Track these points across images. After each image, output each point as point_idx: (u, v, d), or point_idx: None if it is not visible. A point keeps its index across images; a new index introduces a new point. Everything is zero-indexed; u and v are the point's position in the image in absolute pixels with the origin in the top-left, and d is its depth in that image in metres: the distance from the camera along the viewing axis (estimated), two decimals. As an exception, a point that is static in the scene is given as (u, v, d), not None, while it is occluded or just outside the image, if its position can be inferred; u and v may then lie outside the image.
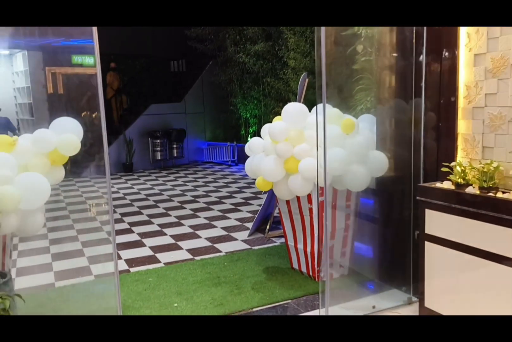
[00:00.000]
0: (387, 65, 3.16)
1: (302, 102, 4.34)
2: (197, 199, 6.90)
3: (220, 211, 6.09)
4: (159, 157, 10.19)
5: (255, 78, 9.87)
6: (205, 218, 5.72)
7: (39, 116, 9.03)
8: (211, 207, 6.34)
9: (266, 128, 3.38)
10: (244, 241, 4.72)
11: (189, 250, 4.48)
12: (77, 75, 8.97)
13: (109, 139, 10.05)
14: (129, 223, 5.61)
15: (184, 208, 6.32)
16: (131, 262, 4.18)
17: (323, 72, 2.60)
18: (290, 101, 7.84)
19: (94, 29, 2.40)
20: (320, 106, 2.72)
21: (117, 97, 10.48)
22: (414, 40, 2.92)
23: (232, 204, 6.45)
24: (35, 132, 2.53)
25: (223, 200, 6.74)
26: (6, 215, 2.20)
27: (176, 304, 3.23)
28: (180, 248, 4.57)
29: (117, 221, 5.75)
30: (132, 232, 5.22)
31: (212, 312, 3.09)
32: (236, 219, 5.61)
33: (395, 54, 3.07)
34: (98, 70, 2.33)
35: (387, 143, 3.26)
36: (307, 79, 4.80)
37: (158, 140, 10.08)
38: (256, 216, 5.00)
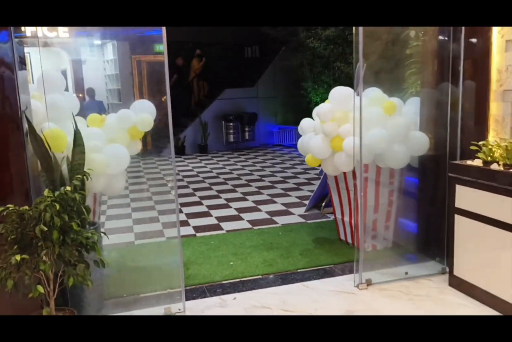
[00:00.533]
0: (430, 50, 3.38)
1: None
2: (263, 178, 7.38)
3: (282, 189, 6.53)
4: (232, 140, 10.79)
5: (326, 63, 10.08)
6: (268, 194, 6.19)
7: (125, 100, 9.94)
8: (275, 185, 6.79)
9: (316, 110, 3.73)
10: (300, 216, 5.12)
11: (249, 221, 4.97)
12: (158, 63, 9.74)
13: (186, 122, 10.84)
14: (199, 197, 6.23)
15: (250, 186, 6.83)
16: (197, 228, 4.76)
17: (360, 59, 2.92)
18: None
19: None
20: (359, 90, 3.04)
21: (199, 83, 11.17)
22: (452, 27, 3.11)
23: (295, 183, 6.86)
24: (119, 112, 3.10)
25: (287, 180, 7.17)
26: (96, 177, 2.79)
27: (232, 263, 3.73)
28: (241, 219, 5.08)
29: (189, 194, 6.40)
30: (202, 204, 5.82)
31: (263, 271, 3.55)
32: (296, 197, 6.01)
33: (437, 40, 3.28)
34: (165, 57, 2.82)
35: (429, 125, 3.48)
36: (364, 67, 5.03)
37: (231, 124, 10.67)
38: (313, 193, 5.37)
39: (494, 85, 2.90)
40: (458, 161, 3.01)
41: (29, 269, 2.09)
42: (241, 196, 6.19)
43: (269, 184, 6.90)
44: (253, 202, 5.83)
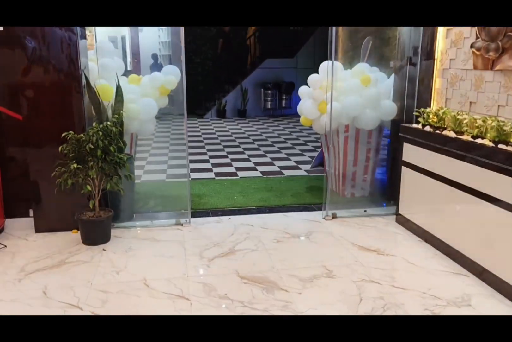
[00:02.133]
0: (401, 38, 4.14)
1: (366, 62, 5.39)
2: (287, 141, 8.32)
3: (301, 150, 7.45)
4: (269, 107, 11.71)
5: (362, 37, 10.63)
6: (286, 153, 7.14)
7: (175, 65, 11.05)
8: (295, 147, 7.72)
9: (308, 79, 4.59)
10: (306, 170, 6.06)
11: (261, 171, 5.97)
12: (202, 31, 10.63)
13: (228, 89, 11.83)
14: (227, 152, 7.28)
15: (273, 146, 7.80)
16: (217, 174, 5.82)
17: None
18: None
19: None
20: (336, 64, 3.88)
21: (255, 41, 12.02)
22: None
23: (313, 146, 7.75)
24: (152, 74, 4.13)
25: (308, 143, 8.07)
26: (131, 121, 3.86)
27: (235, 197, 4.77)
28: (256, 170, 6.08)
29: (219, 149, 7.47)
30: (227, 157, 6.87)
31: (257, 204, 4.56)
32: (309, 156, 6.93)
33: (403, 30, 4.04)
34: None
35: (398, 96, 4.28)
36: (370, 42, 5.77)
37: (269, 91, 11.55)
38: (318, 152, 6.25)
39: (438, 64, 3.66)
40: (406, 124, 3.83)
41: (82, 174, 3.20)
42: (262, 153, 7.18)
43: (290, 145, 7.84)
44: (271, 158, 6.81)
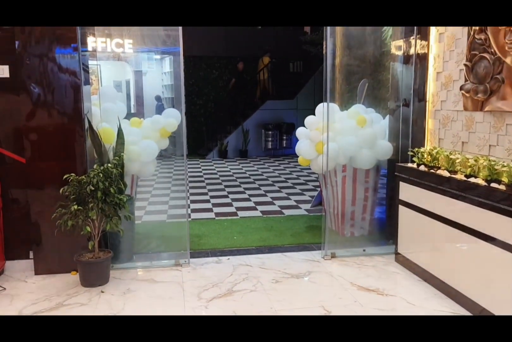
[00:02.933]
0: (395, 80, 4.29)
1: (362, 103, 5.55)
2: (288, 180, 8.38)
3: (301, 189, 7.50)
4: (270, 147, 11.87)
5: (359, 79, 10.94)
6: (286, 193, 7.18)
7: (177, 107, 11.33)
8: (296, 186, 7.77)
9: (305, 120, 4.71)
10: (306, 210, 6.08)
11: (262, 211, 5.99)
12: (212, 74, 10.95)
13: (229, 129, 12.06)
14: (228, 192, 7.33)
15: (274, 185, 7.86)
16: (218, 214, 5.84)
17: (328, 81, 3.89)
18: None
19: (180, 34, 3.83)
20: (331, 106, 4.01)
21: (265, 76, 12.32)
22: (404, 65, 4.02)
23: (313, 185, 7.80)
24: (153, 117, 4.26)
25: (308, 182, 8.13)
26: (132, 163, 3.94)
27: (235, 237, 4.78)
28: (256, 209, 6.11)
29: (220, 189, 7.52)
30: (227, 197, 6.92)
31: (256, 244, 4.56)
32: (310, 196, 6.96)
33: (396, 74, 4.19)
34: (181, 70, 3.88)
35: (393, 136, 4.38)
36: (366, 84, 5.95)
37: (270, 132, 11.76)
38: (318, 191, 6.30)
39: (429, 106, 3.78)
40: (401, 164, 3.90)
41: (82, 215, 3.25)
42: (263, 192, 7.23)
43: (291, 185, 7.90)
44: (271, 197, 6.85)
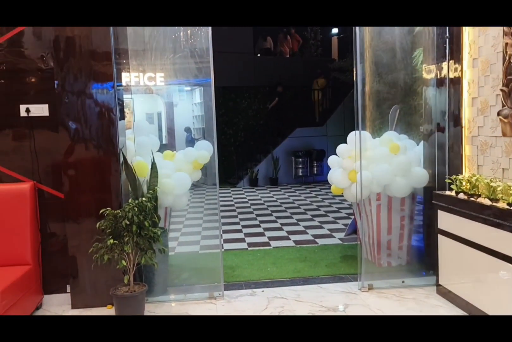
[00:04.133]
0: (427, 106, 4.24)
1: (394, 130, 5.49)
2: (320, 208, 8.29)
3: (333, 217, 7.39)
4: (300, 174, 11.83)
5: (390, 105, 10.88)
6: (319, 221, 7.09)
7: (208, 137, 11.50)
8: (328, 214, 7.67)
9: (337, 148, 4.68)
10: (340, 239, 5.97)
11: (294, 241, 5.91)
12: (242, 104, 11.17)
13: (259, 158, 12.11)
14: (259, 221, 7.29)
15: (306, 214, 7.77)
16: (250, 244, 5.79)
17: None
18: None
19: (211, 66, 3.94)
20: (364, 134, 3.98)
21: (319, 96, 12.54)
22: (437, 92, 3.97)
23: (346, 213, 7.68)
24: (185, 149, 4.31)
25: (341, 210, 8.01)
26: (165, 195, 3.98)
27: (269, 269, 4.71)
28: (289, 239, 6.04)
29: (252, 218, 7.49)
30: (259, 226, 6.87)
31: (291, 275, 4.47)
32: (343, 224, 6.85)
33: (429, 100, 4.14)
34: (212, 101, 3.94)
35: (429, 162, 4.28)
36: (398, 110, 5.90)
37: (300, 159, 11.74)
38: (351, 220, 6.19)
39: (466, 132, 3.69)
40: (439, 192, 3.79)
41: (118, 249, 3.27)
42: (295, 221, 7.16)
43: (323, 213, 7.80)
44: (304, 226, 6.76)
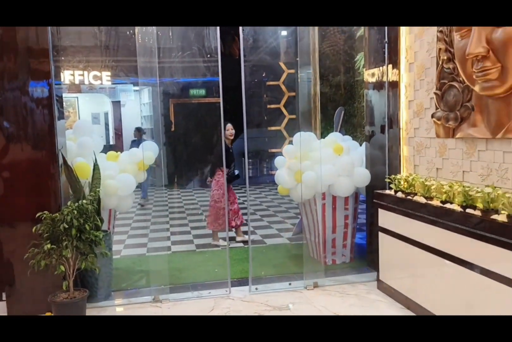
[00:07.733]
0: (368, 108, 4.37)
1: (339, 131, 5.62)
2: (269, 208, 8.36)
3: (282, 217, 7.47)
4: (250, 175, 11.90)
5: (336, 106, 11.15)
6: (268, 221, 7.15)
7: (157, 138, 11.30)
8: (277, 214, 7.75)
9: (284, 149, 4.74)
10: (288, 238, 6.04)
11: (244, 242, 5.93)
12: (190, 104, 11.08)
13: (210, 159, 11.98)
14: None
15: (255, 214, 7.82)
16: (198, 246, 5.76)
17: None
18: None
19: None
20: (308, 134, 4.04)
21: None
22: (379, 94, 4.11)
23: (295, 213, 7.78)
24: (130, 150, 4.23)
25: (289, 210, 8.11)
26: (109, 197, 3.88)
27: (216, 270, 4.69)
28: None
29: (202, 220, 7.45)
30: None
31: (239, 276, 4.48)
32: (291, 224, 6.93)
33: (372, 105, 4.28)
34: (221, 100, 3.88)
35: (369, 163, 4.42)
36: (343, 112, 6.05)
37: (250, 160, 11.81)
38: (299, 220, 6.28)
39: (403, 133, 3.84)
40: (379, 191, 3.92)
41: (56, 254, 3.16)
42: (244, 222, 7.17)
43: (272, 213, 7.87)
44: (252, 226, 6.78)
